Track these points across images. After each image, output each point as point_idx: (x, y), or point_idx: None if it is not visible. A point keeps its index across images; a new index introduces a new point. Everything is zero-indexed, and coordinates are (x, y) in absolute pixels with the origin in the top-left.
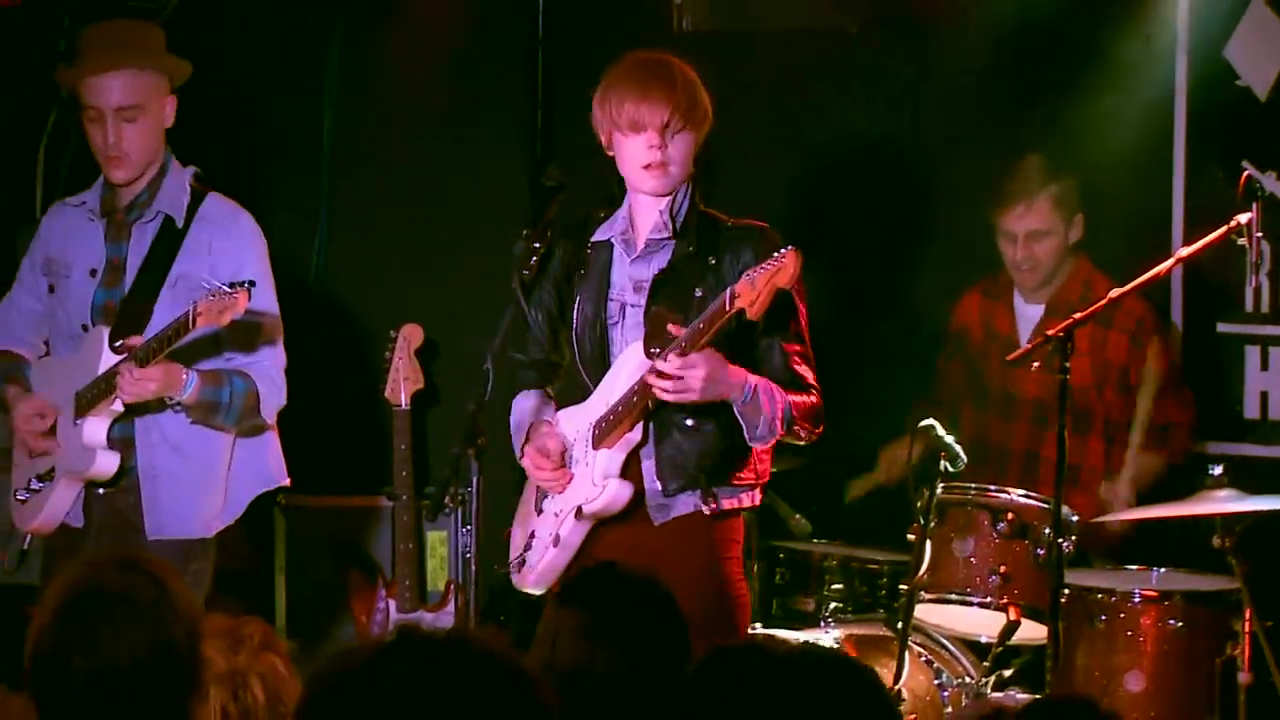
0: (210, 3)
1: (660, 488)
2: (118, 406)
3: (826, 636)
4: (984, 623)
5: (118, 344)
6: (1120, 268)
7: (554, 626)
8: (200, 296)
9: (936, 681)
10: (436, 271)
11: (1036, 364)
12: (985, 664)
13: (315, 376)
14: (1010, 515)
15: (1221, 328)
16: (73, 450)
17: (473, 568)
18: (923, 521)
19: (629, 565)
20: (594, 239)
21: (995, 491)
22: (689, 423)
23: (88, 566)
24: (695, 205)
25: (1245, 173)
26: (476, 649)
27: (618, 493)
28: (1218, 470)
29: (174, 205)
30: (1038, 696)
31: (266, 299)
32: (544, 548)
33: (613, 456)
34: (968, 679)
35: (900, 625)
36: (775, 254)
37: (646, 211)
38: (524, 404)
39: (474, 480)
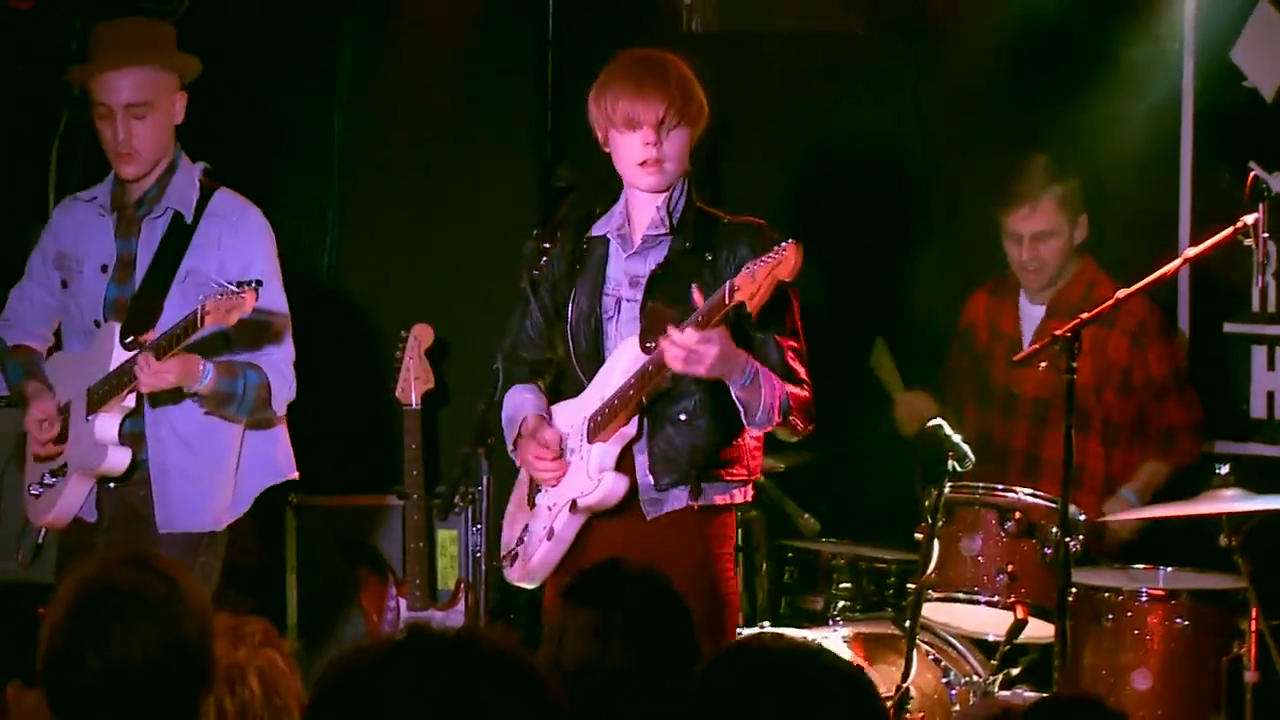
0: (222, 3)
1: (652, 482)
2: (129, 402)
3: (834, 635)
4: (991, 621)
5: (128, 340)
6: (1127, 268)
7: (561, 625)
8: (208, 296)
9: (944, 680)
10: (447, 272)
11: (1043, 364)
12: (993, 662)
13: (326, 376)
14: (1018, 514)
15: (1228, 328)
16: (85, 446)
17: (483, 566)
18: (930, 520)
19: (633, 562)
20: (590, 234)
21: (1003, 491)
22: (682, 417)
23: (100, 565)
24: (692, 201)
25: (1252, 173)
26: (486, 647)
27: (614, 486)
28: (1224, 469)
29: (183, 201)
30: (1045, 695)
31: (275, 295)
32: (538, 541)
33: (608, 450)
34: (975, 677)
35: (908, 624)
36: (776, 247)
37: (643, 207)
38: (516, 398)
39: (484, 479)
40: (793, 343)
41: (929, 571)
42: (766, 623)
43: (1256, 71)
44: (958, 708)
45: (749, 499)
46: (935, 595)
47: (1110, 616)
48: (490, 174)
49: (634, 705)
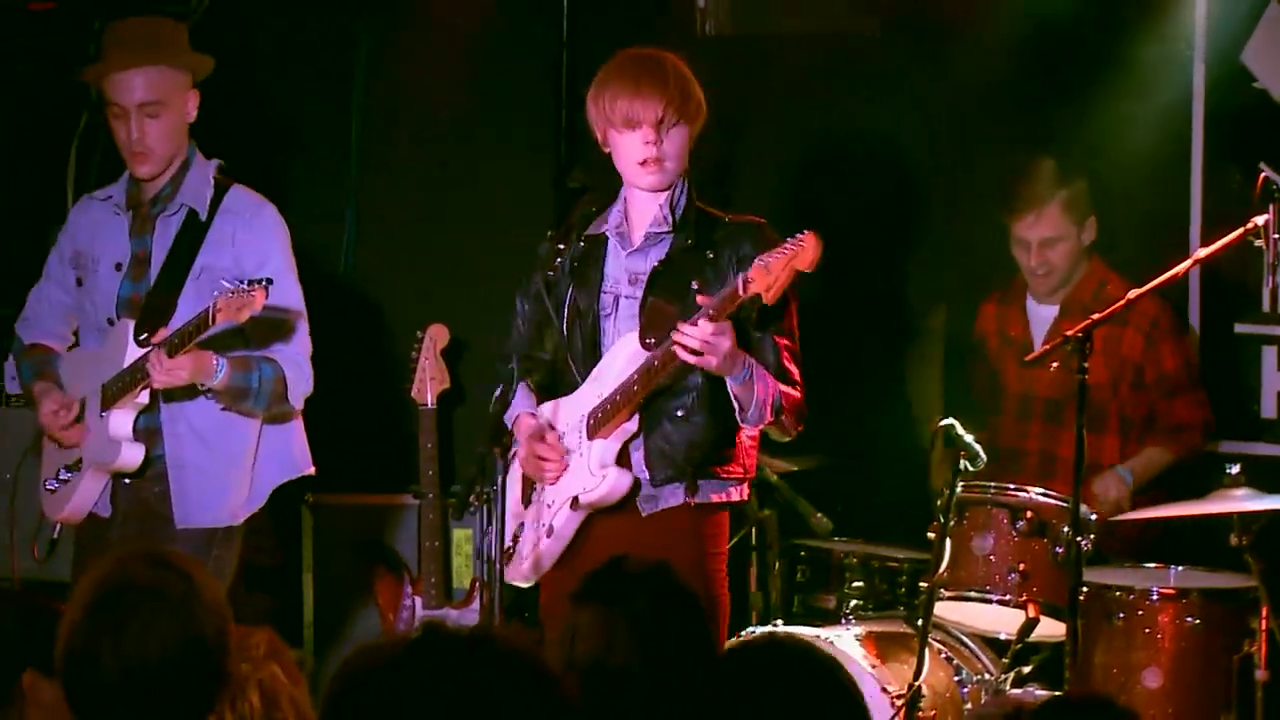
0: (239, 4)
1: (649, 477)
2: (143, 399)
3: (847, 633)
4: (1003, 620)
5: (142, 337)
6: (1139, 269)
7: (571, 624)
8: (220, 294)
9: (956, 678)
10: (462, 272)
11: (1055, 364)
12: (1004, 661)
13: (343, 376)
14: (1029, 513)
15: (1239, 328)
16: (99, 442)
17: (497, 566)
18: (943, 520)
19: (641, 559)
20: (588, 233)
21: (1014, 490)
22: (679, 412)
23: (118, 562)
24: (693, 200)
25: (1262, 174)
26: (501, 646)
27: (617, 482)
28: (1235, 469)
29: (197, 198)
30: (1056, 693)
31: (289, 291)
32: (536, 538)
33: (608, 446)
34: (987, 676)
35: (920, 622)
36: (792, 238)
37: (643, 206)
38: (518, 398)
39: (499, 479)
40: (788, 342)
41: (941, 570)
42: (779, 621)
43: (1267, 73)
44: (969, 706)
45: (744, 498)
46: (947, 594)
47: (1121, 615)
48: (505, 175)
49: (645, 702)
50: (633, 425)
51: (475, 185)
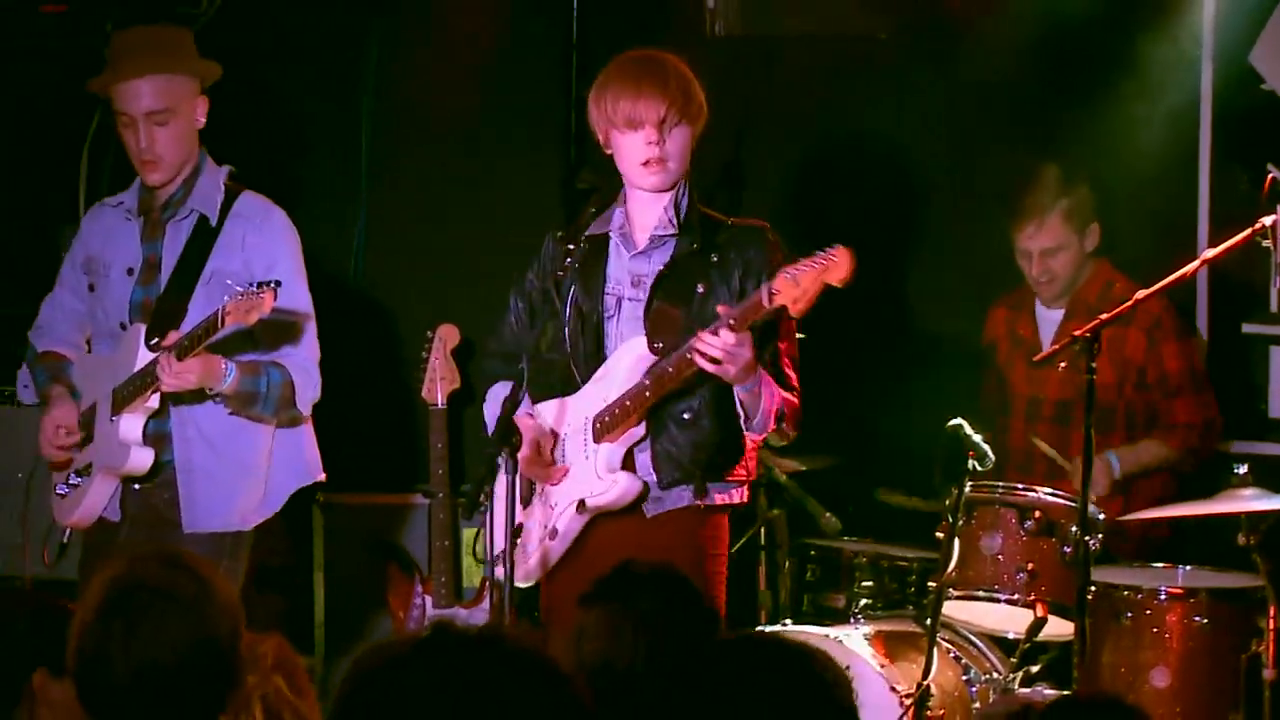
0: (249, 6)
1: (655, 480)
2: (153, 403)
3: (856, 632)
4: (1012, 619)
5: (153, 341)
6: (1147, 269)
7: (579, 626)
8: (229, 298)
9: (965, 677)
10: (472, 273)
11: (1063, 364)
12: (1013, 660)
13: (354, 376)
14: (1037, 513)
15: (1246, 328)
16: (109, 446)
17: (501, 565)
18: (951, 519)
19: (648, 561)
20: (589, 233)
21: (1023, 490)
22: (686, 416)
23: (130, 563)
24: (694, 202)
25: (1270, 175)
26: (510, 646)
27: (628, 487)
28: (1243, 469)
29: (208, 203)
30: (1065, 693)
31: (298, 295)
32: (539, 540)
33: (615, 451)
34: (995, 675)
35: (929, 622)
36: (822, 251)
37: (645, 208)
38: (503, 394)
39: (509, 479)
40: (786, 346)
41: (949, 570)
42: (789, 620)
43: (1275, 74)
44: (978, 705)
45: (745, 500)
46: (956, 593)
47: (1129, 615)
48: (514, 176)
49: (652, 702)
50: (640, 430)
51: (484, 186)
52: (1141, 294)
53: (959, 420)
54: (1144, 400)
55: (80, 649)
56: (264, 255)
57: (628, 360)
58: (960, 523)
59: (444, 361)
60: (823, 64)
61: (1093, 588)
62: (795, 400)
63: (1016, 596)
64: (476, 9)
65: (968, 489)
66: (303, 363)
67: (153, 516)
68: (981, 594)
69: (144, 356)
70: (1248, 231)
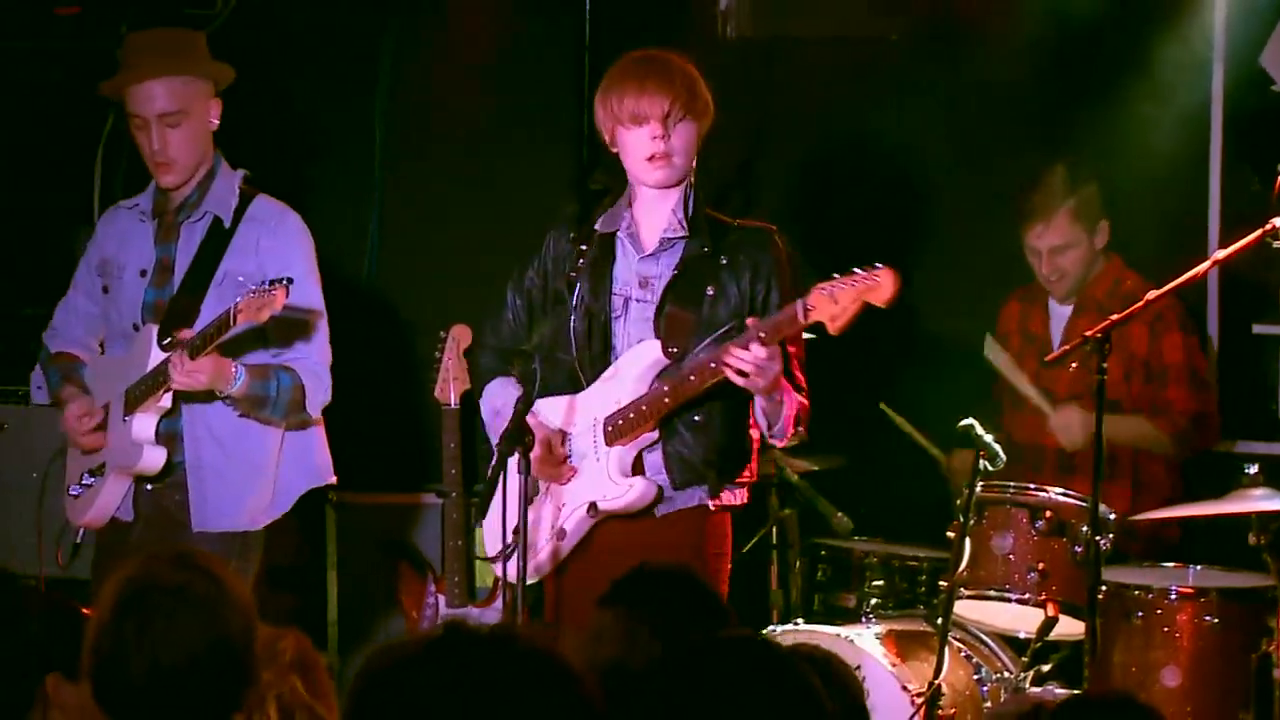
0: (263, 8)
1: (668, 481)
2: (165, 403)
3: (867, 632)
4: (1023, 619)
5: (166, 341)
6: (1158, 270)
7: (595, 627)
8: (241, 295)
9: (976, 677)
10: (485, 273)
11: (1074, 365)
12: (1024, 659)
13: (367, 376)
14: (1048, 513)
15: (1257, 329)
16: (122, 446)
17: (520, 564)
18: (962, 519)
19: (664, 562)
20: (597, 230)
21: (1034, 490)
22: (697, 419)
23: (144, 562)
24: (701, 205)
25: None
26: (522, 645)
27: (644, 493)
28: (1253, 469)
29: (222, 206)
30: (1076, 692)
31: (311, 295)
32: (545, 539)
33: (627, 454)
34: (1007, 674)
35: (940, 621)
36: (864, 270)
37: (652, 208)
38: (505, 391)
39: (521, 479)
40: (795, 350)
41: (961, 569)
42: (800, 620)
43: None
44: (989, 704)
45: (746, 501)
46: (967, 593)
47: (1140, 614)
48: (527, 177)
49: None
50: (654, 433)
51: (497, 188)
52: (1152, 294)
53: (970, 421)
54: (1150, 394)
55: (95, 650)
56: (278, 259)
57: (640, 363)
58: (971, 522)
59: (457, 362)
60: (833, 65)
61: (1104, 587)
62: (806, 402)
63: (1027, 596)
64: (489, 12)
65: (979, 489)
66: (314, 366)
67: (164, 517)
68: (993, 593)
69: (156, 357)
70: (1258, 233)
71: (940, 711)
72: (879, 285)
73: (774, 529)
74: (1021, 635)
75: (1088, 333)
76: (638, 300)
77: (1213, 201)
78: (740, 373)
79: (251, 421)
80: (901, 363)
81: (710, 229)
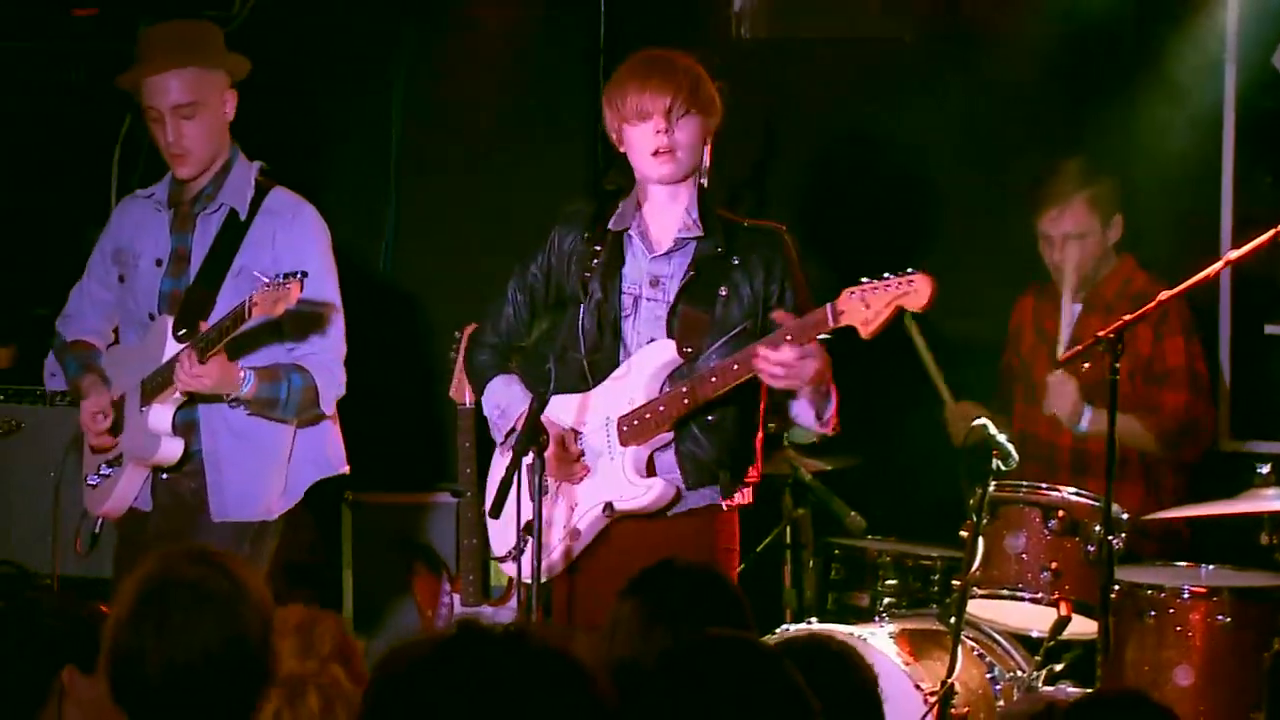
0: (282, 8)
1: (682, 481)
2: (181, 394)
3: (881, 631)
4: (1035, 618)
5: (181, 332)
6: (1170, 270)
7: (613, 617)
8: (256, 288)
9: (989, 675)
10: (500, 271)
11: (1086, 365)
12: (1037, 658)
13: (382, 375)
14: (1061, 512)
15: (1269, 329)
16: (139, 437)
17: (535, 563)
18: (975, 518)
19: (685, 558)
20: (609, 228)
21: (1046, 489)
22: (710, 419)
23: (163, 559)
24: (711, 205)
25: None
26: (535, 643)
27: (662, 494)
28: (1265, 469)
29: (238, 198)
30: (1089, 691)
31: (327, 289)
32: (558, 539)
33: (641, 454)
34: (1020, 673)
35: (953, 620)
36: (898, 275)
37: (663, 208)
38: (509, 388)
39: (537, 479)
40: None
41: (974, 569)
42: (814, 619)
43: None
44: (1002, 703)
45: (752, 500)
46: (980, 592)
47: (1153, 613)
48: (543, 177)
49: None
50: (669, 434)
51: (512, 187)
52: (1164, 295)
53: (983, 420)
54: (1155, 394)
55: (113, 646)
56: (294, 252)
57: (654, 363)
58: (984, 522)
59: None
60: (847, 66)
61: (1116, 586)
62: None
63: (1040, 595)
64: (504, 13)
65: (992, 488)
66: (328, 361)
67: (180, 505)
68: (1005, 592)
69: (172, 347)
70: (1271, 233)
71: (953, 710)
72: (914, 291)
73: (788, 528)
74: (1034, 634)
75: (1100, 333)
76: (648, 299)
77: (1225, 202)
78: (773, 375)
79: None
80: (914, 362)
81: (723, 229)
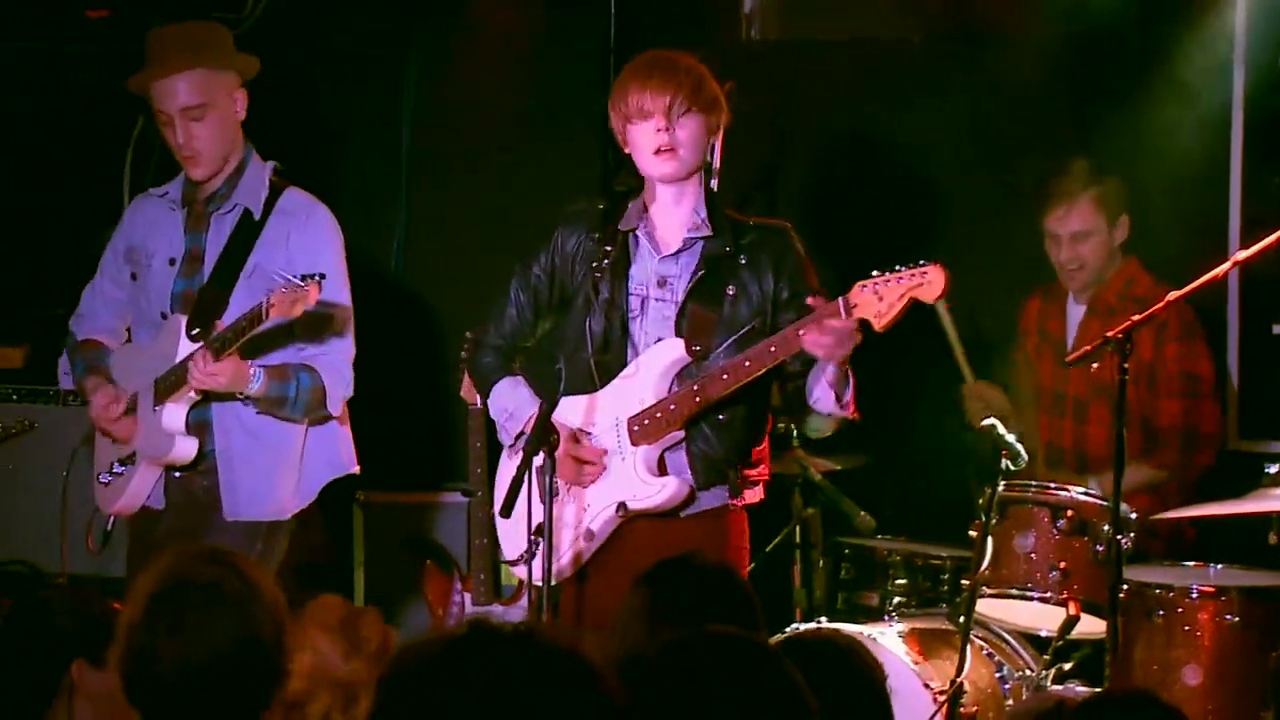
0: (294, 10)
1: (693, 480)
2: (195, 393)
3: (890, 630)
4: (1044, 617)
5: (195, 332)
6: (1178, 271)
7: (626, 606)
8: (272, 290)
9: (998, 674)
10: (510, 273)
11: (1095, 365)
12: (1046, 657)
13: (393, 375)
14: (1070, 512)
15: (1277, 329)
16: (153, 435)
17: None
18: (984, 518)
19: (708, 560)
20: (620, 229)
21: (1055, 489)
22: (720, 418)
23: (177, 558)
24: (718, 205)
25: None
26: (544, 643)
27: (676, 492)
28: (1274, 469)
29: (252, 198)
30: (1098, 690)
31: (339, 291)
32: (571, 540)
33: (653, 453)
34: (1028, 672)
35: (962, 619)
36: (911, 266)
37: (670, 209)
38: (516, 391)
39: (548, 479)
40: None
41: (983, 568)
42: (823, 618)
43: None
44: (1011, 702)
45: (763, 498)
46: (989, 591)
47: (1161, 613)
48: (553, 178)
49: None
50: (680, 432)
51: (523, 188)
52: (1173, 295)
53: (992, 420)
54: (1146, 400)
55: (128, 646)
56: (307, 252)
57: (662, 362)
58: (993, 522)
59: None
60: (856, 67)
61: (1125, 586)
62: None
63: (1049, 594)
64: (516, 13)
65: (1001, 488)
66: (337, 363)
67: (193, 504)
68: (1015, 592)
69: (185, 347)
70: (1279, 234)
71: (962, 709)
72: (928, 282)
73: (797, 528)
74: (1043, 634)
75: (1110, 333)
76: (656, 300)
77: (1233, 202)
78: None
79: None
80: (923, 361)
81: (730, 228)
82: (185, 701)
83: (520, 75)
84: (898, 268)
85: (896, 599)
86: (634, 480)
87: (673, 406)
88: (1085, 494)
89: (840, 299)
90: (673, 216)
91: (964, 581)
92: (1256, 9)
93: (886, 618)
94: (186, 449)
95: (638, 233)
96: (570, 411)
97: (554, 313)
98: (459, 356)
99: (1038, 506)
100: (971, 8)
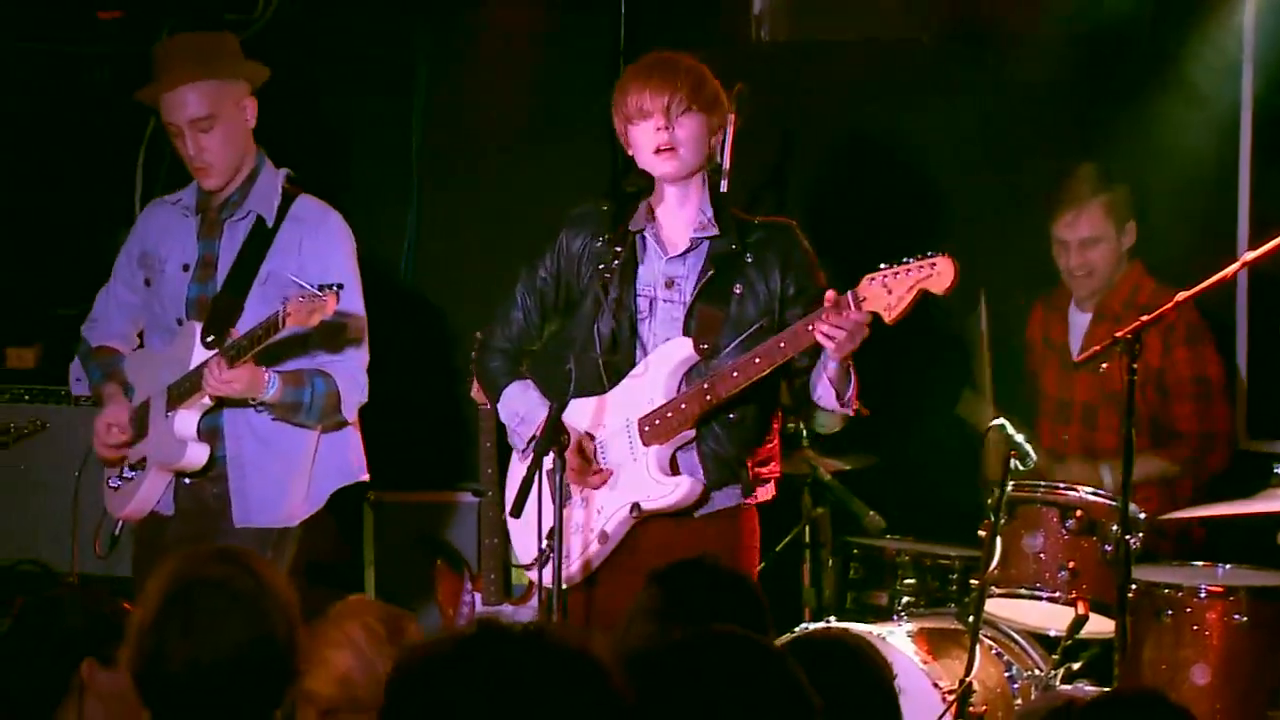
0: (304, 15)
1: (704, 480)
2: (208, 400)
3: (899, 630)
4: (1053, 617)
5: (209, 339)
6: (1187, 271)
7: (636, 603)
8: (289, 299)
9: (1007, 674)
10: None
11: (1104, 366)
12: (1054, 657)
13: (404, 377)
14: (1079, 512)
15: None
16: (164, 442)
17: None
18: (993, 518)
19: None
20: (630, 231)
21: (1064, 489)
22: (732, 417)
23: (188, 558)
24: (724, 204)
25: None
26: (553, 642)
27: (690, 491)
28: None
29: (265, 205)
30: (1106, 689)
31: (353, 300)
32: (584, 543)
33: (664, 453)
34: (1037, 671)
35: (971, 619)
36: (920, 258)
37: (676, 210)
38: (526, 394)
39: (558, 479)
40: None
41: (992, 568)
42: (832, 618)
43: None
44: (1020, 702)
45: (774, 495)
46: (998, 591)
47: (1170, 612)
48: (563, 180)
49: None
50: (691, 432)
51: (532, 190)
52: (1182, 296)
53: (1001, 420)
54: (1164, 403)
55: (139, 645)
56: (320, 259)
57: (671, 361)
58: (1002, 521)
59: None
60: (866, 67)
61: (1133, 586)
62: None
63: (1058, 594)
64: (524, 17)
65: (1010, 488)
66: (352, 370)
67: (202, 511)
68: (1023, 592)
69: (199, 354)
70: None
71: (971, 709)
72: (937, 273)
73: (806, 528)
74: (1052, 633)
75: (1119, 333)
76: (664, 301)
77: (1242, 203)
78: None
79: None
80: (931, 362)
81: (736, 227)
82: (196, 701)
83: (530, 78)
84: (906, 260)
85: (905, 599)
86: (647, 480)
87: (683, 406)
88: (1094, 494)
89: (849, 293)
90: (679, 217)
91: (973, 581)
92: (1266, 10)
93: (895, 617)
94: (198, 455)
95: (645, 234)
96: (579, 414)
97: (560, 315)
98: (469, 357)
99: (1046, 506)
100: (980, 9)
